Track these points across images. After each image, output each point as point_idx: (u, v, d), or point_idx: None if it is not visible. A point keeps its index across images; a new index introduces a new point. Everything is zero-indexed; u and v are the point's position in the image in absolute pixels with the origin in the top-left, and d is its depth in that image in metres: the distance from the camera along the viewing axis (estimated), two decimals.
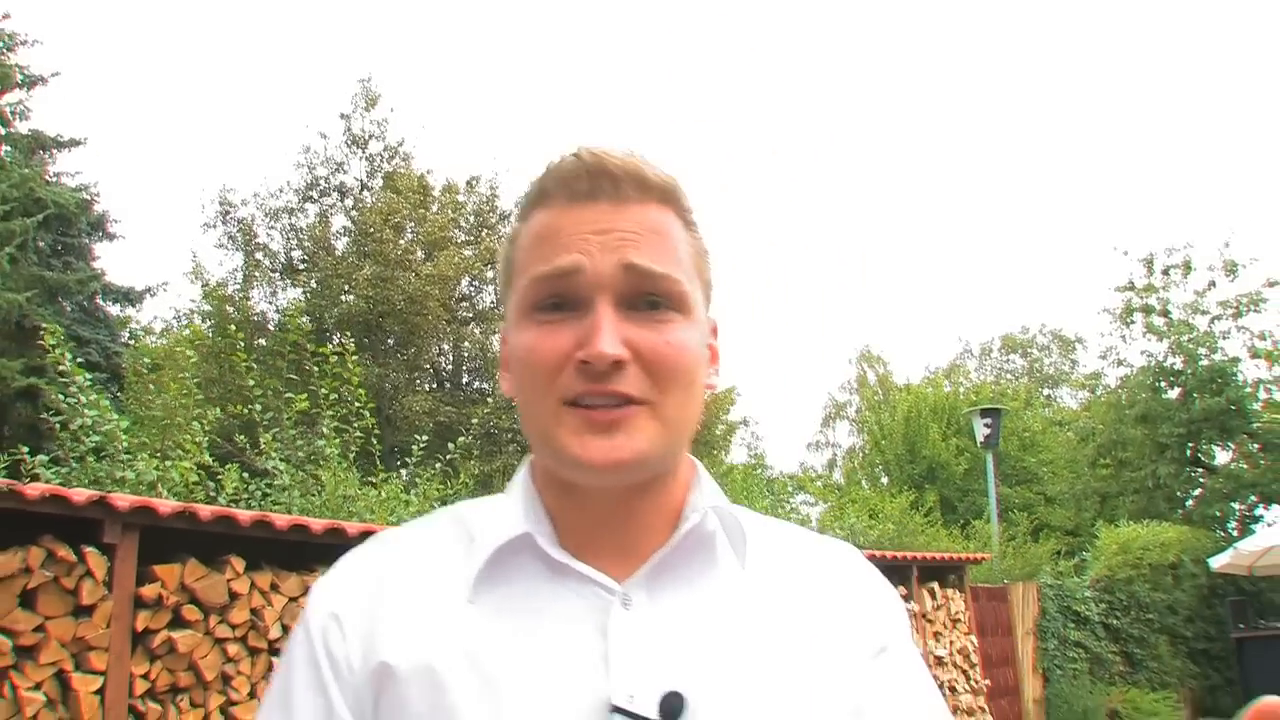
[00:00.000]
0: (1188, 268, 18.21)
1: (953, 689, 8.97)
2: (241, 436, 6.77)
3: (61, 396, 5.27)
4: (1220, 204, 46.35)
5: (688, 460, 1.01)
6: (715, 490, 1.00)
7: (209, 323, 16.37)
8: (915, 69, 61.74)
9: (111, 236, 19.63)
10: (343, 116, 18.50)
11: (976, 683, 9.41)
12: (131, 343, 18.99)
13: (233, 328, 10.49)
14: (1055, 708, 11.28)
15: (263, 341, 15.27)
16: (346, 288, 16.67)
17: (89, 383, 5.29)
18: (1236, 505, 18.05)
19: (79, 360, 5.51)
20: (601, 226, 0.92)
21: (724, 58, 60.77)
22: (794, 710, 0.90)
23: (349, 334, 10.90)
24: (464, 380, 19.49)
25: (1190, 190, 56.52)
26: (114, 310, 19.55)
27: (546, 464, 0.97)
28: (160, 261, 51.72)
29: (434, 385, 18.52)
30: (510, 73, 55.06)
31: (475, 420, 13.69)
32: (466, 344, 18.99)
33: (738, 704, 0.89)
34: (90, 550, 3.70)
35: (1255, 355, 17.66)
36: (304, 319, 9.01)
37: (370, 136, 18.55)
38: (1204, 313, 18.03)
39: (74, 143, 18.68)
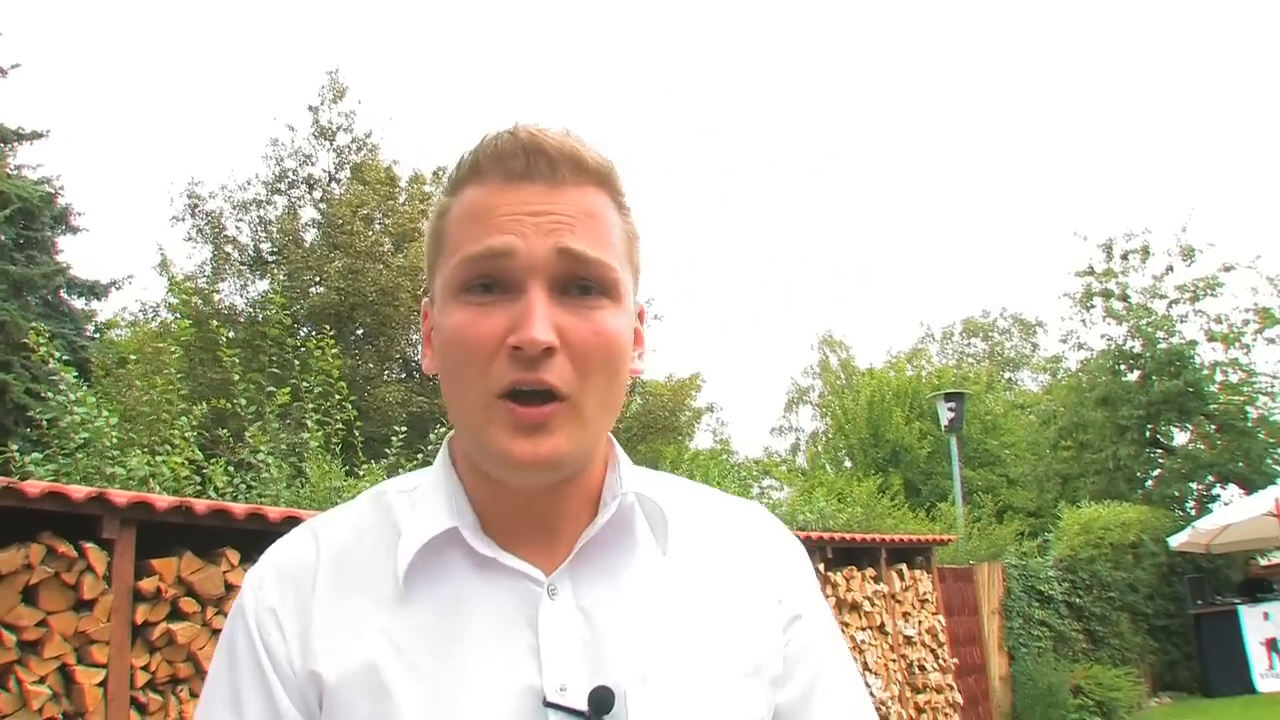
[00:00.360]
0: (1146, 253, 18.52)
1: (921, 667, 9.15)
2: (224, 430, 6.82)
3: (51, 394, 5.32)
4: (1177, 190, 47.02)
5: (606, 439, 1.01)
6: (632, 470, 1.01)
7: (174, 315, 16.22)
8: (876, 54, 62.08)
9: (75, 230, 19.34)
10: (311, 109, 18.39)
11: (944, 661, 9.58)
12: (97, 336, 18.79)
13: (215, 323, 10.47)
14: (1021, 684, 11.44)
15: (232, 334, 15.20)
16: (317, 280, 16.60)
17: (75, 380, 5.34)
18: (1194, 485, 18.41)
19: (66, 359, 5.55)
20: (536, 208, 0.90)
21: (688, 39, 60.82)
22: (716, 694, 0.92)
23: (326, 326, 10.91)
24: None
25: (1148, 176, 57.27)
26: (79, 304, 19.32)
27: (469, 450, 0.96)
28: (126, 255, 51.16)
29: (404, 375, 18.49)
30: (486, 67, 54.80)
31: None
32: None
33: (665, 693, 0.90)
34: (90, 546, 3.75)
35: (1212, 338, 18.02)
36: (275, 311, 9.01)
37: (338, 129, 18.44)
38: (1162, 297, 18.36)
39: (36, 135, 18.40)
